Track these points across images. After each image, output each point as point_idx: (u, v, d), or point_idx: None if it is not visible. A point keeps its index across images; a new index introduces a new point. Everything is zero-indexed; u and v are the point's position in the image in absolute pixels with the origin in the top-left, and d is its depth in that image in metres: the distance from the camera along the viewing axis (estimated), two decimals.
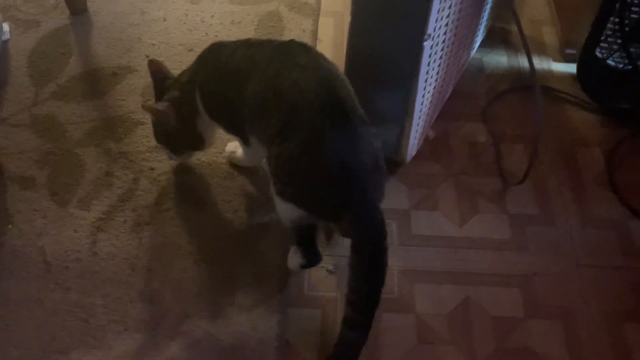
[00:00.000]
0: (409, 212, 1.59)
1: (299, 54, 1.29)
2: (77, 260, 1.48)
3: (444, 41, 1.44)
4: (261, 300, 1.42)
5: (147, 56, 1.95)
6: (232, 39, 1.45)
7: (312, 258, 1.38)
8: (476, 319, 1.41)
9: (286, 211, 1.28)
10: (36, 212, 1.57)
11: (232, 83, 1.34)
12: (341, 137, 1.20)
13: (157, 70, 1.55)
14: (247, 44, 1.38)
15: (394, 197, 1.61)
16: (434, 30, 1.33)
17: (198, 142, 1.53)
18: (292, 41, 1.34)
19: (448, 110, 1.80)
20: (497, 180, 1.67)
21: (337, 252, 1.49)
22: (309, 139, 1.20)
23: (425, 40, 1.32)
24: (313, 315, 1.41)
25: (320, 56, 1.32)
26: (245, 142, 1.44)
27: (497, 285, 1.46)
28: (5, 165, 1.67)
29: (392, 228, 1.56)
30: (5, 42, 1.97)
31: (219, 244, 1.52)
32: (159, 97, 1.52)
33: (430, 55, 1.39)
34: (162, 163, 1.67)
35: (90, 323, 1.38)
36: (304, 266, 1.40)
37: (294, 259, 1.41)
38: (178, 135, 1.51)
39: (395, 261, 1.50)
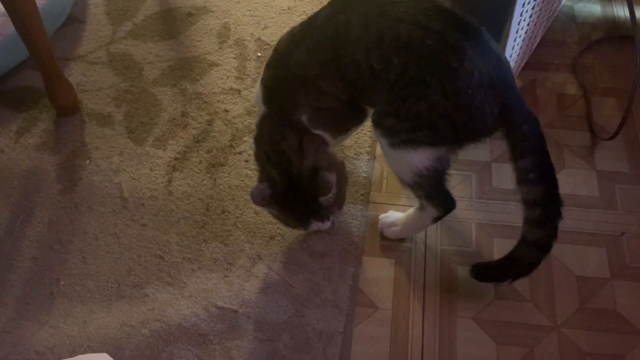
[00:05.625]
0: (490, 165, 1.53)
1: None
2: (152, 198, 1.49)
3: None
4: (335, 248, 1.39)
5: None
6: None
7: (449, 203, 1.29)
8: (559, 277, 1.34)
9: (417, 160, 1.18)
10: (113, 149, 1.58)
11: (331, 64, 1.19)
12: (479, 49, 1.11)
13: (261, 195, 1.27)
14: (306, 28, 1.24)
15: (474, 149, 1.52)
16: None
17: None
18: None
19: (536, 60, 1.71)
20: (586, 135, 1.58)
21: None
22: (452, 62, 1.09)
23: None
24: (387, 264, 1.38)
25: None
26: (360, 121, 1.33)
27: (583, 244, 1.39)
28: (83, 101, 1.68)
29: (471, 180, 1.51)
30: None
31: None
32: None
33: None
34: (237, 105, 1.65)
35: (165, 260, 1.38)
36: (439, 218, 1.31)
37: (420, 218, 1.34)
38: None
39: (473, 214, 1.45)
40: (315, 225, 1.31)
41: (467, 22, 1.13)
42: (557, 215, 1.19)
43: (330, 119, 1.28)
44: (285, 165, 1.26)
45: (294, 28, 1.26)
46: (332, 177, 1.22)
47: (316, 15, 1.23)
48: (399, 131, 1.17)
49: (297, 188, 1.25)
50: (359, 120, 1.33)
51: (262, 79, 1.29)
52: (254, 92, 1.34)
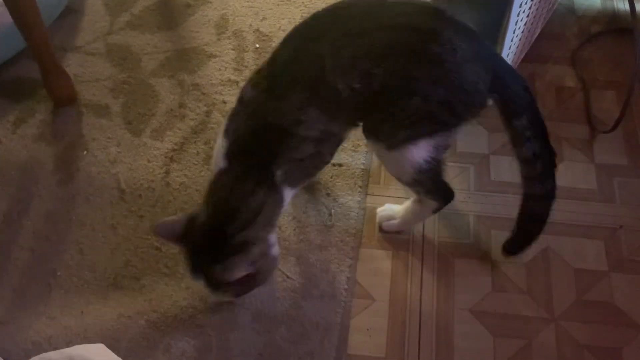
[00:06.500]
0: (488, 157, 1.53)
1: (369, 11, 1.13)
2: (150, 189, 1.48)
3: None
4: (333, 240, 1.39)
5: None
6: None
7: (448, 194, 1.30)
8: (556, 270, 1.34)
9: (417, 154, 1.17)
10: (110, 140, 1.58)
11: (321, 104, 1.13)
12: (454, 27, 1.11)
13: (168, 229, 1.18)
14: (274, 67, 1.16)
15: (473, 141, 1.55)
16: None
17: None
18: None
19: (535, 52, 1.70)
20: (585, 128, 1.58)
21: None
22: (433, 48, 1.08)
23: None
24: (384, 256, 1.38)
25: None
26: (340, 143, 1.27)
27: (580, 236, 1.39)
28: (80, 92, 1.68)
29: (470, 173, 1.50)
30: None
31: None
32: (211, 247, 1.14)
33: None
34: (235, 97, 1.64)
35: (162, 251, 1.38)
36: (439, 209, 1.32)
37: (420, 211, 1.35)
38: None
39: (471, 207, 1.45)
40: (202, 283, 1.18)
41: (432, 6, 1.13)
42: (554, 163, 1.22)
43: (308, 169, 1.23)
44: (227, 218, 1.14)
45: (253, 77, 1.19)
46: (239, 272, 1.13)
47: (275, 59, 1.16)
48: (396, 132, 1.16)
49: (212, 240, 1.14)
50: (335, 152, 1.26)
51: (227, 132, 1.18)
52: (215, 147, 1.22)
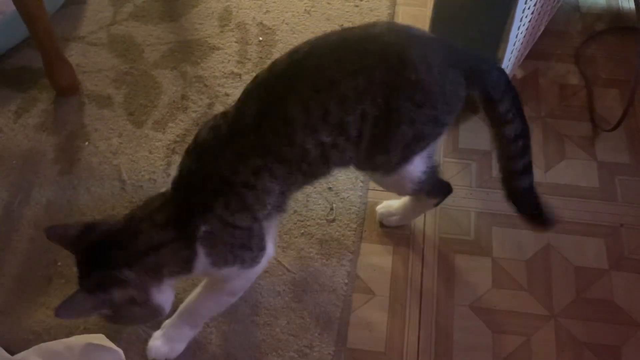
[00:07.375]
0: (490, 154, 1.52)
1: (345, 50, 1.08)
2: (151, 181, 1.48)
3: None
4: (334, 234, 1.39)
5: None
6: None
7: (447, 189, 1.31)
8: (556, 267, 1.35)
9: (414, 170, 1.17)
10: (112, 130, 1.58)
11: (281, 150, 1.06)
12: (418, 42, 1.10)
13: (60, 232, 1.09)
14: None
15: (474, 137, 1.55)
16: None
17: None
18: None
19: (539, 50, 1.70)
20: (587, 126, 1.58)
21: None
22: (410, 75, 1.06)
23: None
24: (385, 251, 1.38)
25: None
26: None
27: (581, 234, 1.39)
28: (83, 83, 1.67)
29: (471, 169, 1.50)
30: None
31: None
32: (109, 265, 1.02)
33: None
34: (237, 89, 1.64)
35: None
36: (439, 202, 1.33)
37: (420, 206, 1.36)
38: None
39: (473, 203, 1.45)
40: None
41: (391, 28, 1.14)
42: (530, 137, 1.21)
43: (232, 243, 1.10)
44: (123, 242, 1.03)
45: (218, 119, 1.10)
46: (80, 311, 1.03)
47: (241, 113, 1.07)
48: (390, 159, 1.15)
49: (95, 257, 1.03)
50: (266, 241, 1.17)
51: (180, 164, 1.12)
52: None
